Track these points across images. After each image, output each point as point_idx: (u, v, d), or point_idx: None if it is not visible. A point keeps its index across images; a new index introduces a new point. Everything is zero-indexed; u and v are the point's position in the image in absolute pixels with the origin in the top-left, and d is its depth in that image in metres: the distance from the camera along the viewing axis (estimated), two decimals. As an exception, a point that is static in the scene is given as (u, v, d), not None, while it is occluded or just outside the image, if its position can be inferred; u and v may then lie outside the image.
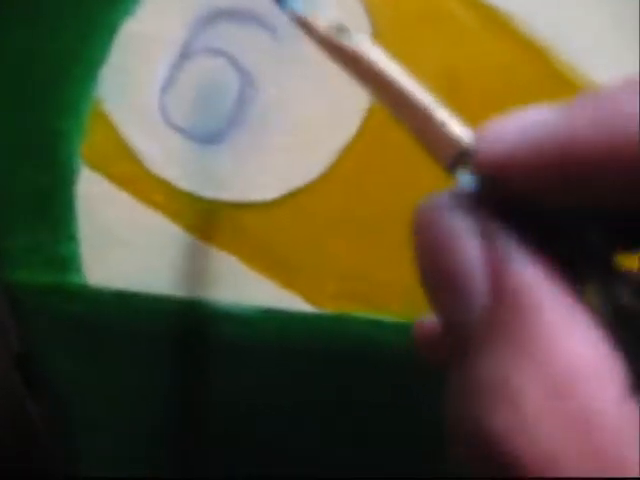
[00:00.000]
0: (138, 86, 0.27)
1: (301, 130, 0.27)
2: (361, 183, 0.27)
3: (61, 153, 0.28)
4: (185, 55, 0.27)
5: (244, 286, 0.28)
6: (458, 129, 0.15)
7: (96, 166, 0.28)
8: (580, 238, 0.14)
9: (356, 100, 0.27)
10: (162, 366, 0.28)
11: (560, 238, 0.13)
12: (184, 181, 0.28)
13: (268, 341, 0.28)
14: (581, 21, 0.27)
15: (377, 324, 0.27)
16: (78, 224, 0.28)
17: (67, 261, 0.28)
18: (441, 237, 0.13)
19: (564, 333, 0.12)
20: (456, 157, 0.15)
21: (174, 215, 0.28)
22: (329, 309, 0.28)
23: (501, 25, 0.27)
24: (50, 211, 0.28)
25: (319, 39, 0.19)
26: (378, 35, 0.27)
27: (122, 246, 0.28)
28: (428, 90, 0.16)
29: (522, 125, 0.13)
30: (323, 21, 0.20)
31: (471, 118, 0.27)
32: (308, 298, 0.28)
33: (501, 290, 0.12)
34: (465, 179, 0.14)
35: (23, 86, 0.28)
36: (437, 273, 0.13)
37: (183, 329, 0.28)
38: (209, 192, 0.27)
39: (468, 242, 0.13)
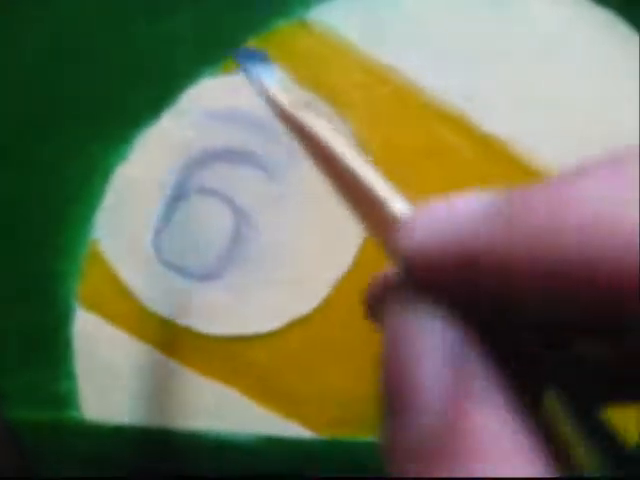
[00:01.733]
0: (132, 227, 0.28)
1: (297, 264, 0.28)
2: (356, 312, 0.28)
3: (58, 294, 0.28)
4: (178, 196, 0.28)
5: (245, 417, 0.28)
6: (400, 207, 0.14)
7: (92, 306, 0.28)
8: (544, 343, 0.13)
9: (350, 235, 0.27)
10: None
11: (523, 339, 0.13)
12: (181, 317, 0.28)
13: (271, 468, 0.28)
14: (582, 144, 0.28)
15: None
16: (76, 362, 0.28)
17: (65, 398, 0.28)
18: (406, 351, 0.12)
19: None
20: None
21: (172, 351, 0.28)
22: (328, 434, 0.28)
23: (500, 152, 0.28)
24: (48, 350, 0.28)
25: (279, 112, 0.19)
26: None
27: (120, 382, 0.28)
28: (375, 168, 0.15)
29: (447, 222, 0.12)
30: (291, 95, 0.19)
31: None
32: (308, 425, 0.28)
33: (455, 425, 0.11)
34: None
35: (21, 230, 0.28)
36: (394, 384, 0.12)
37: (185, 461, 0.28)
38: (207, 327, 0.28)
39: (435, 359, 0.12)
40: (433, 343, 0.12)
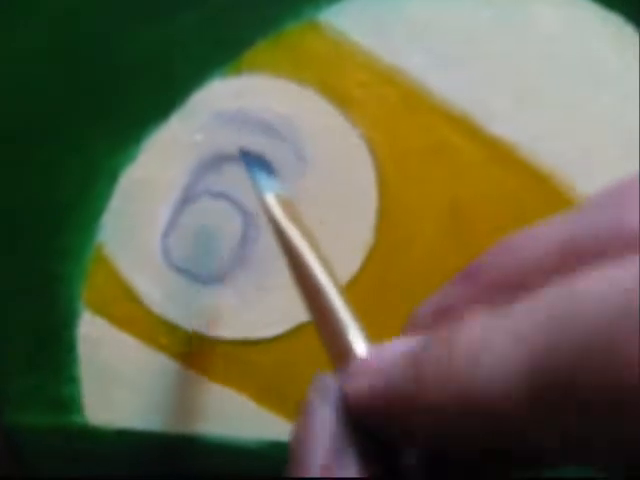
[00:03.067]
0: (139, 230, 0.27)
1: (304, 268, 0.27)
2: (363, 317, 0.28)
3: (62, 297, 0.27)
4: (187, 199, 0.27)
5: (250, 421, 0.28)
6: (356, 341, 0.17)
7: (97, 309, 0.28)
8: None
9: (358, 240, 0.27)
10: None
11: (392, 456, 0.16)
12: (187, 321, 0.28)
13: (274, 472, 0.28)
14: (585, 146, 0.28)
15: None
16: (79, 366, 0.28)
17: (68, 402, 0.28)
18: (309, 423, 0.17)
19: None
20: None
21: (178, 354, 0.28)
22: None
23: (505, 155, 0.28)
24: (51, 354, 0.28)
25: (271, 220, 0.21)
26: (381, 170, 0.28)
27: (125, 386, 0.28)
28: (342, 294, 0.18)
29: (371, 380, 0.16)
30: (285, 207, 0.21)
31: (476, 248, 0.28)
32: (313, 429, 0.28)
33: None
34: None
35: (24, 231, 0.28)
36: (297, 442, 0.17)
37: (189, 465, 0.28)
38: (213, 331, 0.28)
39: (323, 438, 0.16)
40: (324, 433, 0.16)
